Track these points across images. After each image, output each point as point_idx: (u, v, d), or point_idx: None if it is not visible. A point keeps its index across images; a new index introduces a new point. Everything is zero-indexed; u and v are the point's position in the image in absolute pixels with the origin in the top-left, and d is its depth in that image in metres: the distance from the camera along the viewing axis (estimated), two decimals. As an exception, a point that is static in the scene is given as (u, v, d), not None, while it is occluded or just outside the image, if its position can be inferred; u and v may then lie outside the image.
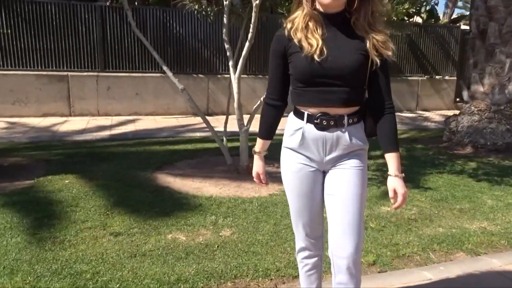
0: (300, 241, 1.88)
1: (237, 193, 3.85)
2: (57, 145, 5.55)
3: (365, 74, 1.66)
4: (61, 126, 6.86)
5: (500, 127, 5.87)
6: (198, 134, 6.58)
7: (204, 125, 4.78)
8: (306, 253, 1.89)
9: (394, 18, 6.01)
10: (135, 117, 7.86)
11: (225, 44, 4.37)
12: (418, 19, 12.90)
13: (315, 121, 1.68)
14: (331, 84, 1.62)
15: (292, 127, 1.77)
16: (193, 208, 3.43)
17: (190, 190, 3.87)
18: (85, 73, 7.71)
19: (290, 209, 1.87)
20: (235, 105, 4.28)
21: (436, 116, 9.59)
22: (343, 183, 1.71)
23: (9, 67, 7.35)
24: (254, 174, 1.90)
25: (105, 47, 7.79)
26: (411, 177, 4.40)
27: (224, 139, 4.66)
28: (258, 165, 1.88)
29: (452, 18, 15.04)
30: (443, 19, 14.70)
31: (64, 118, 7.49)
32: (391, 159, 1.68)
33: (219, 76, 8.54)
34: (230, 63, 4.32)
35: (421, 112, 10.15)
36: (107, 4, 8.38)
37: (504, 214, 3.57)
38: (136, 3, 10.39)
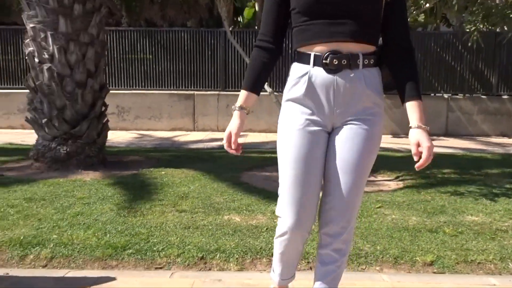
0: (287, 217, 1.54)
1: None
2: (172, 150, 6.25)
3: (380, 6, 1.45)
4: (183, 137, 7.68)
5: None
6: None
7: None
8: (292, 232, 1.55)
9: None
10: (248, 132, 8.35)
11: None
12: None
13: (323, 61, 1.43)
14: (341, 14, 1.40)
15: (295, 75, 1.50)
16: (260, 200, 3.52)
17: (267, 187, 3.97)
18: (209, 92, 8.55)
19: (281, 177, 1.57)
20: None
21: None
22: (349, 149, 1.49)
23: (149, 87, 8.60)
24: (226, 134, 1.56)
25: (226, 68, 8.55)
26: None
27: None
28: (234, 124, 1.56)
29: None
30: None
31: (188, 132, 8.38)
32: (413, 109, 1.45)
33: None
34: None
35: None
36: (230, 29, 9.21)
37: None
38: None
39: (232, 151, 1.58)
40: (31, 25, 4.45)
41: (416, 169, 1.44)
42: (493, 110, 8.47)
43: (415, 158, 1.44)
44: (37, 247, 2.54)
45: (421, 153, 1.41)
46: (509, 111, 8.47)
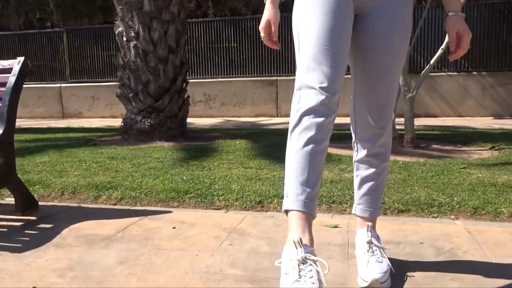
0: (312, 79, 1.25)
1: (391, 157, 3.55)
2: (250, 129, 6.31)
3: None
4: (263, 121, 7.74)
5: None
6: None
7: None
8: (320, 102, 1.23)
9: None
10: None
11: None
12: None
13: None
14: None
15: None
16: (329, 160, 3.37)
17: (341, 152, 3.79)
18: (291, 77, 8.50)
19: (305, 36, 1.29)
20: (399, 70, 3.98)
21: None
22: (381, 37, 1.33)
23: (233, 75, 8.82)
24: (263, 25, 1.40)
25: (309, 52, 8.43)
26: None
27: (393, 113, 4.35)
28: (271, 12, 1.38)
29: None
30: None
31: (271, 118, 8.42)
32: None
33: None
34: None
35: None
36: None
37: None
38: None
39: (273, 45, 1.44)
40: (120, 7, 4.82)
41: (450, 59, 1.32)
42: None
43: (452, 47, 1.31)
44: (110, 190, 2.70)
45: (458, 40, 1.29)
46: None
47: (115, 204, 2.56)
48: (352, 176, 2.18)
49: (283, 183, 2.66)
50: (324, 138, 1.25)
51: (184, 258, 1.62)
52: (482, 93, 7.59)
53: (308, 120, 1.24)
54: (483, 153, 3.80)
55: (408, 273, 1.46)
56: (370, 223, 1.44)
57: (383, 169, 1.45)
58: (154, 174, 3.05)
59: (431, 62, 3.91)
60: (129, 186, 2.77)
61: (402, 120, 4.41)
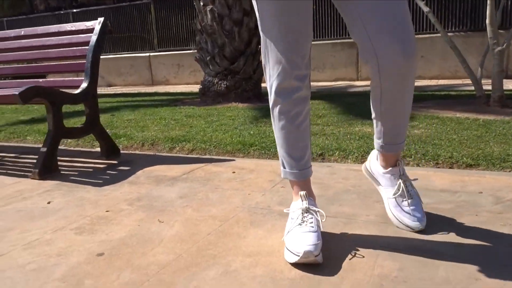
0: (283, 62, 1.24)
1: (470, 116, 3.32)
2: (327, 92, 6.24)
3: None
4: (343, 85, 7.57)
5: None
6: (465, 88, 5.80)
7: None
8: (291, 81, 1.25)
9: None
10: (417, 80, 7.66)
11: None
12: None
13: None
14: None
15: None
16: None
17: (422, 113, 3.63)
18: (373, 39, 8.13)
19: (264, 20, 1.24)
20: (487, 20, 3.63)
21: None
22: None
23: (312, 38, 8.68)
24: None
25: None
26: None
27: (480, 71, 4.01)
28: None
29: None
30: None
31: (351, 82, 8.19)
32: None
33: None
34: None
35: None
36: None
37: None
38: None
39: None
40: (197, -28, 4.99)
41: None
42: None
43: None
44: (183, 142, 2.92)
45: None
46: None
47: (186, 154, 2.77)
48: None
49: (347, 137, 2.67)
50: (302, 109, 1.29)
51: (237, 196, 1.74)
52: None
53: (283, 97, 1.28)
54: None
55: (457, 219, 1.42)
56: None
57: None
58: (224, 130, 3.22)
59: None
60: (200, 139, 2.96)
61: (489, 81, 4.05)
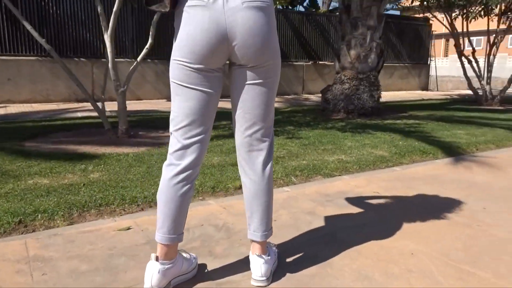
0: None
1: (114, 151, 3.79)
2: None
3: None
4: None
5: (364, 94, 6.55)
6: (79, 114, 6.29)
7: (87, 107, 4.59)
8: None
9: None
10: (6, 104, 7.24)
11: (98, 8, 4.19)
12: (301, 8, 13.76)
13: None
14: None
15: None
16: (61, 162, 3.30)
17: (62, 151, 3.71)
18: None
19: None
20: (110, 64, 4.19)
21: (319, 98, 10.33)
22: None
23: None
24: None
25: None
26: (286, 133, 4.73)
27: (101, 104, 4.53)
28: None
29: (329, 8, 16.24)
30: (323, 9, 15.88)
31: None
32: None
33: (103, 60, 8.23)
34: (105, 35, 4.17)
35: (306, 95, 10.86)
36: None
37: (359, 150, 4.03)
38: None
39: None
40: None
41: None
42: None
43: None
44: None
45: None
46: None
47: None
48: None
49: (32, 194, 2.51)
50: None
51: None
52: (156, 79, 8.66)
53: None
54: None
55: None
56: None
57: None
58: None
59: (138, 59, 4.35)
60: None
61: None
